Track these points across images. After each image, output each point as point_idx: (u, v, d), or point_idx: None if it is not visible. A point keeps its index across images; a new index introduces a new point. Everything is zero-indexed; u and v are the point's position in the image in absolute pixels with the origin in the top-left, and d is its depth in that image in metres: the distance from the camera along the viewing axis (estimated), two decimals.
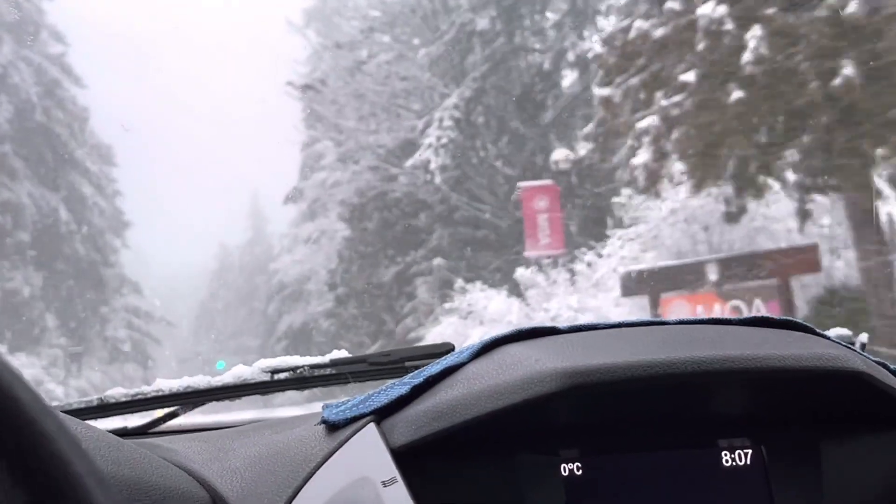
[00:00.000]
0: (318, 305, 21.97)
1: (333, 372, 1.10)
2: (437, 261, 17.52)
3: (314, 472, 0.69)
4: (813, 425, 0.75)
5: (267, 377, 1.08)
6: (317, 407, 0.83)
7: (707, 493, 0.72)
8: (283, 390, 1.09)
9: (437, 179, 17.24)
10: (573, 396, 0.67)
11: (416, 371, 0.78)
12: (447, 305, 13.28)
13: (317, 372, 1.09)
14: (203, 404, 1.07)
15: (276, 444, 0.76)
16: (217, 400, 1.07)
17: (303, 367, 1.08)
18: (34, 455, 0.31)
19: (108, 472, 0.58)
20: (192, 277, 47.09)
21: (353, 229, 19.43)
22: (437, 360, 0.78)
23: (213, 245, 44.62)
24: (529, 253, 13.88)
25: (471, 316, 12.81)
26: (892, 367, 0.77)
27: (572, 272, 12.70)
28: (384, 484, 0.66)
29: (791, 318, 0.81)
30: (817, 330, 0.80)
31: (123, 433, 1.00)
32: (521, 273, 12.71)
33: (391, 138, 18.93)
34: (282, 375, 1.08)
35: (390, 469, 0.67)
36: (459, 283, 13.56)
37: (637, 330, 0.79)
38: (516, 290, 12.87)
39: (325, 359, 1.10)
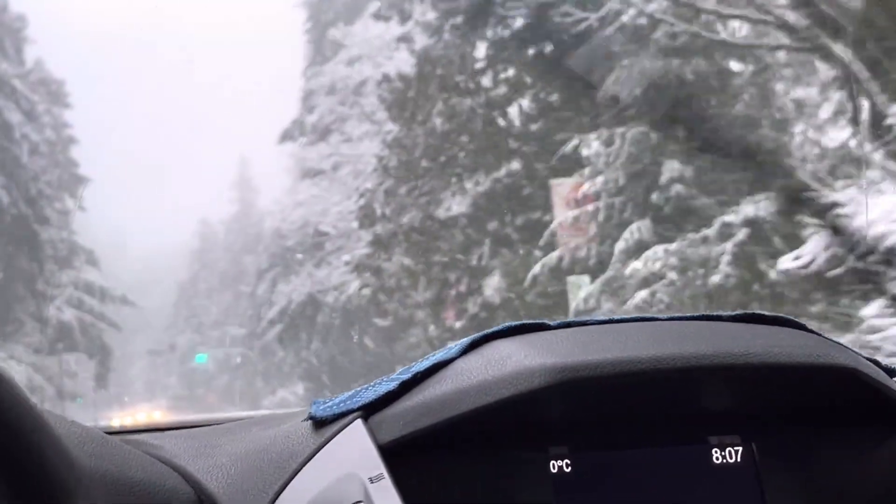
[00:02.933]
0: (338, 257, 15.74)
1: None
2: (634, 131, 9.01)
3: (300, 469, 0.71)
4: (804, 422, 0.78)
5: None
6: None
7: (697, 491, 0.75)
8: None
9: None
10: (562, 392, 0.70)
11: (405, 367, 0.80)
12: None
13: None
14: None
15: (262, 441, 0.78)
16: None
17: None
18: (12, 450, 0.32)
19: (92, 467, 0.59)
20: (169, 257, 40.63)
21: (404, 124, 12.58)
22: (426, 357, 0.80)
23: (193, 220, 38.01)
24: None
25: None
26: (883, 364, 0.79)
27: None
28: (371, 480, 0.67)
29: (782, 315, 0.82)
30: (809, 326, 0.81)
31: (109, 431, 0.96)
32: None
33: None
34: None
35: (377, 465, 0.68)
36: None
37: (627, 326, 0.80)
38: None
39: None
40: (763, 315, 0.81)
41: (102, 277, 21.82)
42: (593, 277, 9.42)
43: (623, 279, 8.82)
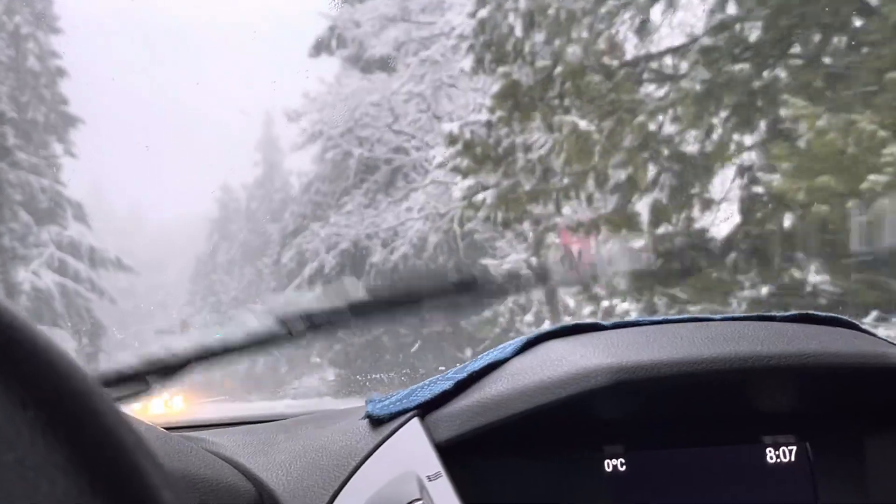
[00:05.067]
0: (416, 182, 11.17)
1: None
2: None
3: (359, 467, 0.73)
4: (858, 422, 0.80)
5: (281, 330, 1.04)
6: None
7: (751, 490, 0.77)
8: (301, 343, 1.03)
9: None
10: (618, 393, 0.72)
11: (459, 367, 0.83)
12: None
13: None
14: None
15: (319, 439, 0.80)
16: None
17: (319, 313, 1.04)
18: (106, 459, 0.32)
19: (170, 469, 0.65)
20: (190, 228, 36.77)
21: None
22: (480, 356, 0.83)
23: (213, 184, 33.98)
24: None
25: None
26: None
27: None
28: (429, 478, 0.69)
29: (835, 315, 0.85)
30: (862, 326, 0.84)
31: (167, 427, 1.03)
32: None
33: None
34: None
35: (435, 464, 0.71)
36: None
37: (682, 326, 0.82)
38: None
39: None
40: (817, 315, 0.84)
41: (93, 236, 17.78)
42: None
43: None
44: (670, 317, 0.85)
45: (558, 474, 0.75)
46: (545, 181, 7.47)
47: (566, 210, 7.43)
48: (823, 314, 0.84)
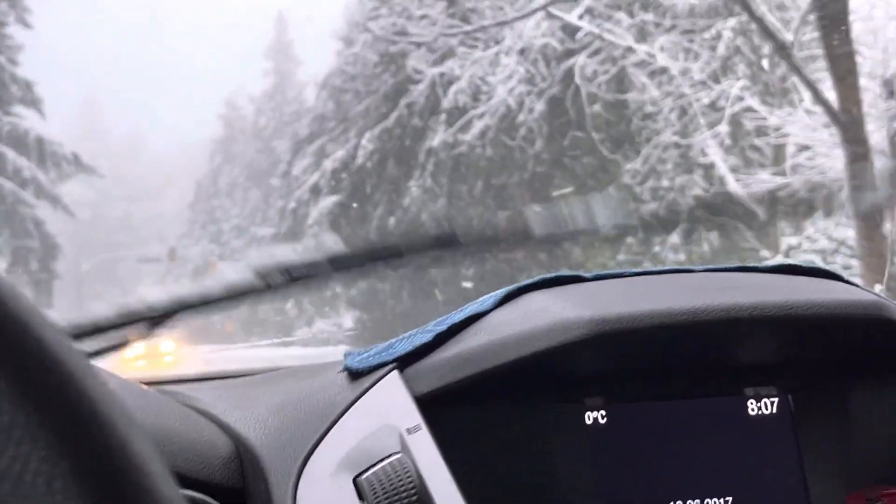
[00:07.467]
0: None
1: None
2: None
3: (337, 420, 0.73)
4: (840, 374, 0.81)
5: (260, 283, 1.05)
6: (334, 356, 0.88)
7: (733, 442, 0.78)
8: (280, 296, 1.04)
9: None
10: (599, 344, 0.73)
11: (440, 319, 0.84)
12: None
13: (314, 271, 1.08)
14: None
15: (298, 392, 0.80)
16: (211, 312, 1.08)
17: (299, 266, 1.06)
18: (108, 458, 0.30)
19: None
20: (192, 151, 33.74)
21: None
22: (460, 309, 0.84)
23: (218, 101, 29.74)
24: None
25: None
26: None
27: None
28: (408, 431, 0.70)
29: (819, 266, 0.85)
30: (845, 278, 0.84)
31: (146, 382, 1.03)
32: None
33: None
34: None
35: (414, 416, 0.71)
36: None
37: (663, 278, 0.84)
38: None
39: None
40: (799, 266, 0.84)
41: (44, 125, 13.51)
42: None
43: None
44: (652, 269, 0.85)
45: (539, 427, 0.76)
46: None
47: None
48: (807, 265, 0.84)
